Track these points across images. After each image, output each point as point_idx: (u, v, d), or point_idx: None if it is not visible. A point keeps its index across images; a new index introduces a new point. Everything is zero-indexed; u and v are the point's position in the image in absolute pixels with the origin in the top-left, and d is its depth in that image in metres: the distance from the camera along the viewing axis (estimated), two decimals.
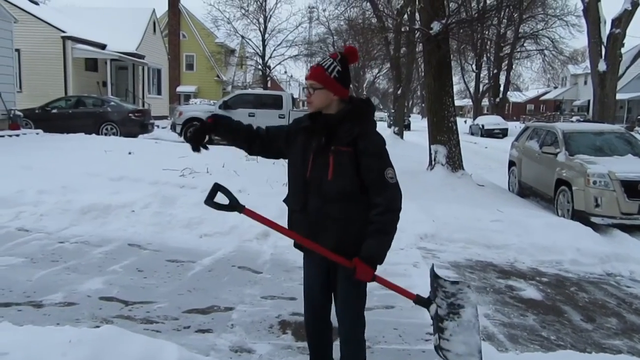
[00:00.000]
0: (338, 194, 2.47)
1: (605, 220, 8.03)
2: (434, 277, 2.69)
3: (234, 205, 2.49)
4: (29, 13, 20.74)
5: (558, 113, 50.94)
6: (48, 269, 4.80)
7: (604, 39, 15.05)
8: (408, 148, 19.44)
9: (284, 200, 2.72)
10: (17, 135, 13.78)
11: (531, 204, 9.99)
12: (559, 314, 4.61)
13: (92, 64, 23.29)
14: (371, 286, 4.82)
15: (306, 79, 2.54)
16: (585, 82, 48.06)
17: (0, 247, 5.36)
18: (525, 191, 10.84)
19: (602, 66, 14.94)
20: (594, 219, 8.01)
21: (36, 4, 23.60)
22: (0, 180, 7.42)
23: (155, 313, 4.01)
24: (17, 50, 17.64)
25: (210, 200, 2.49)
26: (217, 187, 2.53)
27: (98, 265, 5.02)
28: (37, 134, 14.60)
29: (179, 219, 6.51)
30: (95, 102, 17.68)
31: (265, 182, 8.74)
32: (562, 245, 6.59)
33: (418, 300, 2.56)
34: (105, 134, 16.41)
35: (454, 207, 8.10)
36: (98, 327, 3.23)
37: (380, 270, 5.66)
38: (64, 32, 21.26)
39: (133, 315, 3.95)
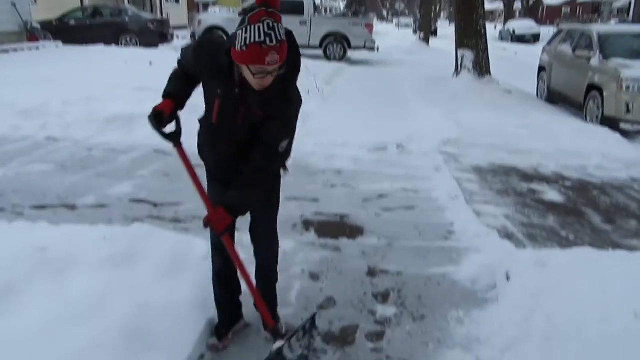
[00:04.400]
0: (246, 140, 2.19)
1: (635, 126, 7.81)
2: (312, 323, 2.48)
3: (173, 136, 2.27)
4: None
5: (596, 16, 48.05)
6: (79, 175, 4.98)
7: None
8: (434, 54, 18.82)
9: (200, 120, 2.36)
10: (37, 48, 13.70)
11: (559, 111, 9.73)
12: (579, 215, 4.64)
13: None
14: (392, 188, 4.95)
15: (271, 64, 1.89)
16: None
17: (31, 155, 5.53)
18: (554, 97, 10.51)
19: None
20: (623, 125, 7.80)
21: None
22: (24, 93, 7.50)
23: (183, 213, 4.16)
24: None
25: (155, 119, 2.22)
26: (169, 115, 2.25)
27: (126, 170, 5.17)
28: (57, 46, 14.50)
29: None
30: (113, 11, 17.31)
31: None
32: (588, 151, 6.51)
33: (274, 330, 2.37)
34: (125, 45, 16.22)
35: (479, 113, 7.97)
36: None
37: (402, 174, 5.72)
38: None
39: (162, 215, 4.12)
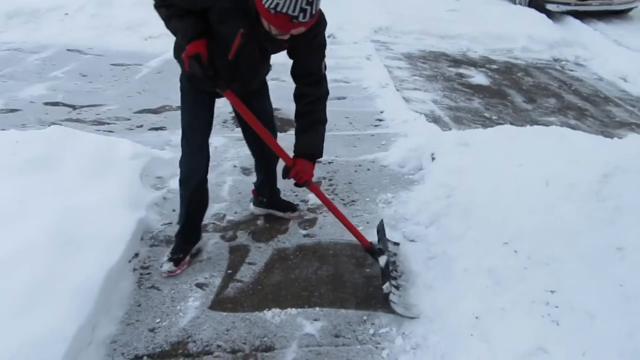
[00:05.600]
0: (264, 63, 2.21)
1: (560, 7, 7.97)
2: (383, 232, 2.48)
3: (221, 80, 2.02)
4: None
5: None
6: None
7: None
8: None
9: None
10: None
11: None
12: (503, 97, 4.81)
13: None
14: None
15: (295, 34, 1.78)
16: None
17: None
18: None
19: None
20: (549, 6, 7.92)
21: None
22: None
23: (106, 115, 3.97)
24: None
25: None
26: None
27: (37, 72, 4.78)
28: None
29: (120, 21, 6.09)
30: None
31: None
32: (514, 33, 6.61)
33: (371, 248, 2.34)
34: None
35: None
36: None
37: (332, 64, 5.63)
38: None
39: (83, 118, 3.90)
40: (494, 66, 5.73)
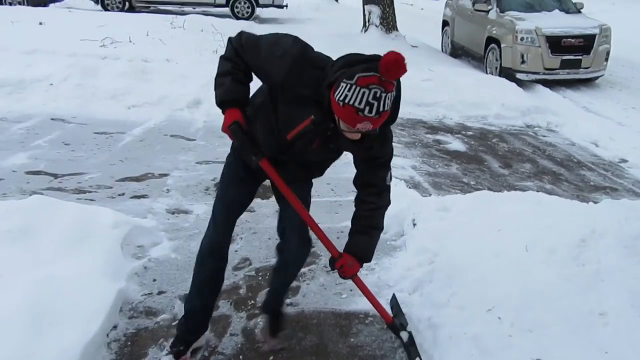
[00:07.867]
0: (319, 163, 2.20)
1: (530, 76, 8.37)
2: (398, 307, 2.48)
3: (259, 149, 2.01)
4: None
5: None
6: None
7: None
8: (343, 11, 18.79)
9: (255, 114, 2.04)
10: None
11: (462, 63, 10.15)
12: (480, 162, 4.95)
13: None
14: None
15: (361, 129, 1.73)
16: None
17: None
18: (457, 51, 10.93)
19: None
20: (519, 76, 8.31)
21: None
22: None
23: (87, 183, 3.95)
24: None
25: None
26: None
27: (20, 141, 4.78)
28: None
29: (104, 90, 6.19)
30: None
31: (194, 50, 8.32)
32: (488, 101, 6.87)
33: (393, 325, 2.32)
34: (10, 3, 14.72)
35: None
36: None
37: None
38: None
39: (64, 186, 3.88)
40: (470, 132, 5.92)
